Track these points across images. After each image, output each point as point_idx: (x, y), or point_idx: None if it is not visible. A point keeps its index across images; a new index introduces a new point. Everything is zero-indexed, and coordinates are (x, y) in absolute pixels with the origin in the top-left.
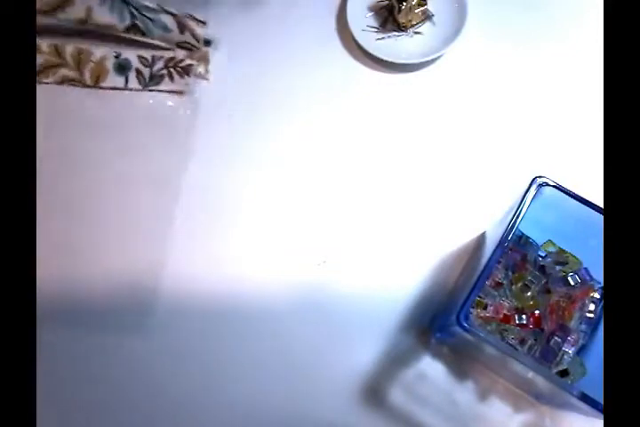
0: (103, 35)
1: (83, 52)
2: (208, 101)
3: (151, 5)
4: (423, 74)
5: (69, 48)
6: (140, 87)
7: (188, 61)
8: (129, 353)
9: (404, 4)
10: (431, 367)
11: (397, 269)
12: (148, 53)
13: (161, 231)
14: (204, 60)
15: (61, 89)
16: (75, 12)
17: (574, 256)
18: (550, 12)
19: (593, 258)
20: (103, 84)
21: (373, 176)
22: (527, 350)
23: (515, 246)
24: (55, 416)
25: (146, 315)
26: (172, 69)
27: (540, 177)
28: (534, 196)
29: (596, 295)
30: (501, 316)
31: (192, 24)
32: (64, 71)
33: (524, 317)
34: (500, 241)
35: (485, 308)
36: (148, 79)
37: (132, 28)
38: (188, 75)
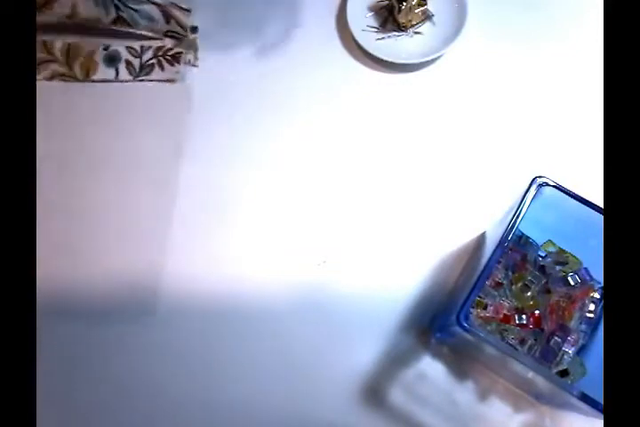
0: (90, 28)
1: (71, 47)
2: (208, 101)
3: None
4: (423, 74)
5: (58, 43)
6: (131, 78)
7: (177, 49)
8: (129, 353)
9: (404, 3)
10: (431, 367)
11: (397, 269)
12: (136, 44)
13: (161, 231)
14: (193, 47)
15: (52, 85)
16: (61, 8)
17: (574, 256)
18: (550, 12)
19: (593, 258)
20: (94, 78)
21: (373, 176)
22: (527, 350)
23: (515, 246)
24: (55, 416)
25: (146, 315)
26: (161, 58)
27: (540, 177)
28: (534, 196)
29: (596, 295)
30: (501, 316)
31: (177, 13)
32: (54, 67)
33: (523, 317)
34: (500, 241)
35: (485, 308)
36: (138, 70)
37: (118, 20)
38: (177, 63)
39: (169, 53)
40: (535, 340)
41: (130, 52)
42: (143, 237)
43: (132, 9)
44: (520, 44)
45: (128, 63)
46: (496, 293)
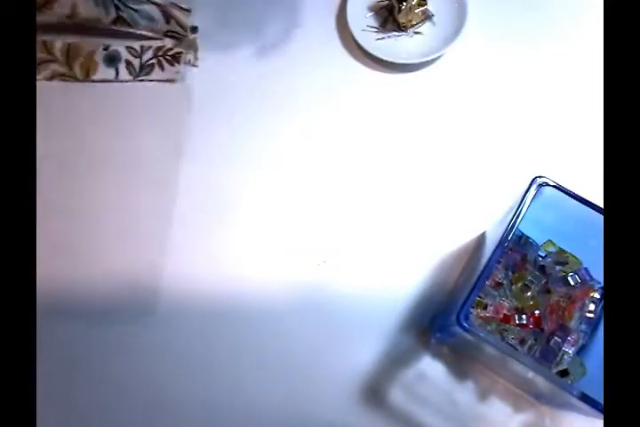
0: (90, 28)
1: (71, 47)
2: (208, 101)
3: None
4: (423, 74)
5: (58, 43)
6: (131, 78)
7: (177, 49)
8: (129, 353)
9: (404, 3)
10: (431, 367)
11: (397, 269)
12: (136, 44)
13: (161, 231)
14: (193, 47)
15: (52, 85)
16: (61, 8)
17: (574, 256)
18: (550, 12)
19: (593, 258)
20: (94, 78)
21: (373, 176)
22: (527, 350)
23: (515, 246)
24: (55, 416)
25: (146, 315)
26: (161, 58)
27: (540, 177)
28: (534, 196)
29: (596, 295)
30: (501, 316)
31: (177, 13)
32: (54, 67)
33: (523, 317)
34: (500, 241)
35: (485, 308)
36: (138, 70)
37: (118, 20)
38: (178, 63)
39: (169, 53)
40: (535, 340)
41: (130, 52)
42: (143, 237)
43: (131, 9)
44: (520, 44)
45: (128, 63)
46: (496, 293)
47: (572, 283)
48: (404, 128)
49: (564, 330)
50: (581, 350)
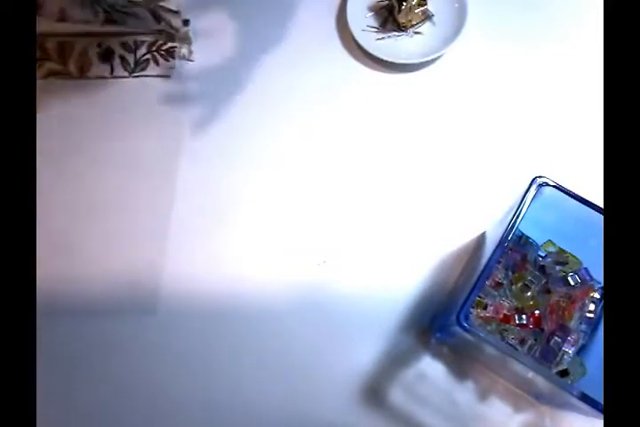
0: (82, 29)
1: (65, 45)
2: (207, 101)
3: (121, 2)
4: (423, 74)
5: (51, 42)
6: (127, 74)
7: (171, 44)
8: (129, 353)
9: (404, 4)
10: (431, 367)
11: (397, 269)
12: (130, 39)
13: (161, 231)
14: (186, 40)
15: (48, 83)
16: (49, 14)
17: (574, 256)
18: (550, 12)
19: (593, 258)
20: (89, 74)
21: (373, 176)
22: (527, 350)
23: (515, 246)
24: (55, 416)
25: (146, 315)
26: (155, 53)
27: (540, 177)
28: (534, 196)
29: (596, 295)
30: (501, 316)
31: (166, 15)
32: (49, 65)
33: (523, 317)
34: (499, 241)
35: (485, 308)
36: (133, 65)
37: (109, 21)
38: (172, 57)
39: (163, 48)
40: (535, 340)
41: (124, 48)
42: (143, 237)
43: (121, 12)
44: (520, 44)
45: (123, 59)
46: (496, 293)
47: (572, 283)
48: (404, 128)
49: (564, 330)
50: (581, 350)
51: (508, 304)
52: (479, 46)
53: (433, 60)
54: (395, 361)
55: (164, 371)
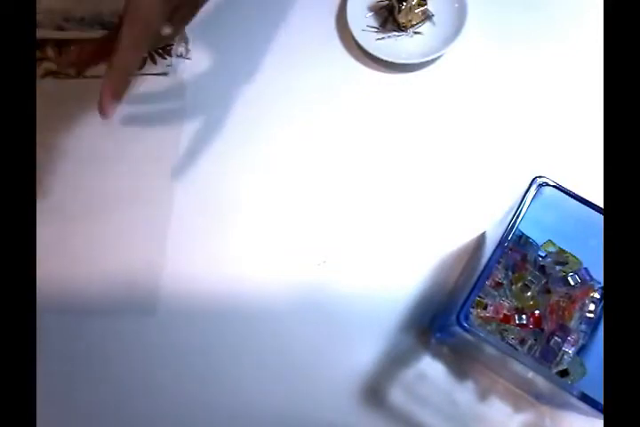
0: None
1: (62, 44)
2: (206, 101)
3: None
4: (423, 74)
5: (49, 42)
6: None
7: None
8: (129, 353)
9: (404, 3)
10: (431, 367)
11: (397, 269)
12: None
13: (161, 231)
14: (182, 38)
15: (45, 82)
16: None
17: (574, 256)
18: (550, 12)
19: (593, 258)
20: (86, 74)
21: (373, 176)
22: (527, 350)
23: (515, 246)
24: (55, 416)
25: (146, 315)
26: (152, 52)
27: (540, 177)
28: (534, 196)
29: (596, 295)
30: (501, 316)
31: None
32: (46, 64)
33: (523, 317)
34: (499, 241)
35: (485, 308)
36: None
37: (104, 28)
38: (169, 55)
39: (159, 46)
40: (535, 340)
41: None
42: (143, 238)
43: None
44: (520, 44)
45: None
46: (496, 293)
47: (572, 283)
48: (404, 128)
49: (564, 330)
50: (581, 350)
51: (508, 304)
52: (479, 46)
53: (433, 60)
54: (395, 361)
55: (163, 371)
